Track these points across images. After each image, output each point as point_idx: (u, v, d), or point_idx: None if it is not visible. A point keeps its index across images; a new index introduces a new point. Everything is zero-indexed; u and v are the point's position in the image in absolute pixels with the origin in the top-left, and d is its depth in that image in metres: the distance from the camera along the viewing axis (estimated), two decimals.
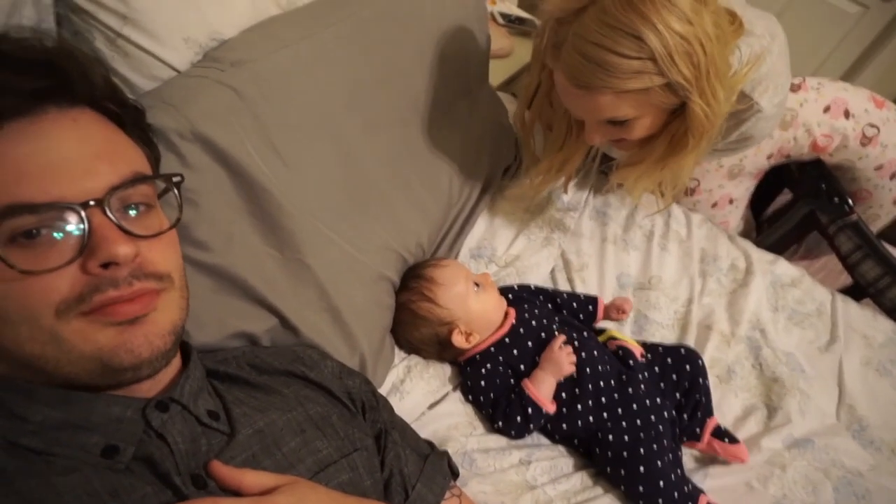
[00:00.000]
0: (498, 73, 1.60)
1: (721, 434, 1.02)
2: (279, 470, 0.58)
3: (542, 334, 1.02)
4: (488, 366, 1.00)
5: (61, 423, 0.51)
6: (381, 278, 0.99)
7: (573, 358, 0.97)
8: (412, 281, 1.03)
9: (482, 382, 0.99)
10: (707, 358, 1.14)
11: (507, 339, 1.02)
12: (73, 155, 0.52)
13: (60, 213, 0.50)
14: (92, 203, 0.50)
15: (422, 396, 0.97)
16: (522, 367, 1.00)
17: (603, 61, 0.84)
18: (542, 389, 0.96)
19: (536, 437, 1.00)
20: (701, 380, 1.05)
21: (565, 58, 0.89)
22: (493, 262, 1.22)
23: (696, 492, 0.93)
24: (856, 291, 1.49)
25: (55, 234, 0.50)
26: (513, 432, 0.97)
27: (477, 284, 1.04)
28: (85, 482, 0.49)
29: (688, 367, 1.06)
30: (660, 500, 0.90)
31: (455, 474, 0.80)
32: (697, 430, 1.01)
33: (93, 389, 0.53)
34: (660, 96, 0.89)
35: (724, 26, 0.89)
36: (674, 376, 1.05)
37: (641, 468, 0.91)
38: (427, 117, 1.13)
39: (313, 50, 0.91)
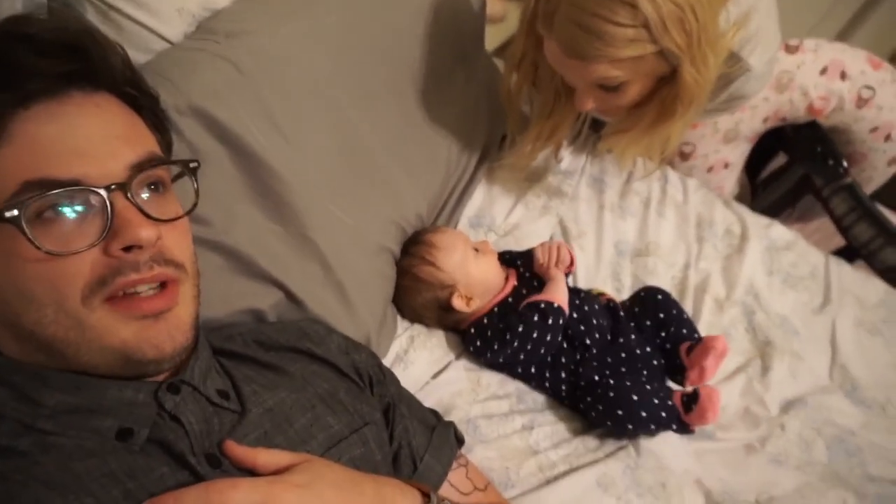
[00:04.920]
0: (491, 39, 1.57)
1: (694, 346, 1.01)
2: (291, 447, 0.58)
3: None
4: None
5: (74, 407, 0.52)
6: (382, 249, 1.00)
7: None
8: (413, 247, 1.04)
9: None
10: (703, 323, 1.16)
11: (510, 300, 1.03)
12: (97, 138, 0.52)
13: (85, 195, 0.50)
14: (114, 187, 0.51)
15: (425, 366, 0.98)
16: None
17: (599, 31, 0.84)
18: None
19: (537, 402, 1.01)
20: (667, 312, 1.06)
21: (559, 27, 0.88)
22: (493, 230, 1.22)
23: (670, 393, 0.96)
24: (849, 253, 1.51)
25: (78, 213, 0.50)
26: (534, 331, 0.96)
27: (476, 250, 1.05)
28: (101, 464, 0.49)
29: (652, 304, 1.07)
30: (643, 413, 0.91)
31: (461, 442, 0.81)
32: (678, 361, 1.02)
33: (108, 377, 0.53)
34: (652, 64, 0.90)
35: None
36: (647, 322, 1.06)
37: (632, 396, 0.93)
38: (423, 86, 1.12)
39: (308, 21, 0.90)
